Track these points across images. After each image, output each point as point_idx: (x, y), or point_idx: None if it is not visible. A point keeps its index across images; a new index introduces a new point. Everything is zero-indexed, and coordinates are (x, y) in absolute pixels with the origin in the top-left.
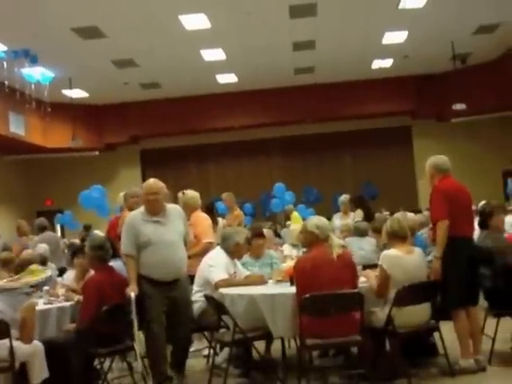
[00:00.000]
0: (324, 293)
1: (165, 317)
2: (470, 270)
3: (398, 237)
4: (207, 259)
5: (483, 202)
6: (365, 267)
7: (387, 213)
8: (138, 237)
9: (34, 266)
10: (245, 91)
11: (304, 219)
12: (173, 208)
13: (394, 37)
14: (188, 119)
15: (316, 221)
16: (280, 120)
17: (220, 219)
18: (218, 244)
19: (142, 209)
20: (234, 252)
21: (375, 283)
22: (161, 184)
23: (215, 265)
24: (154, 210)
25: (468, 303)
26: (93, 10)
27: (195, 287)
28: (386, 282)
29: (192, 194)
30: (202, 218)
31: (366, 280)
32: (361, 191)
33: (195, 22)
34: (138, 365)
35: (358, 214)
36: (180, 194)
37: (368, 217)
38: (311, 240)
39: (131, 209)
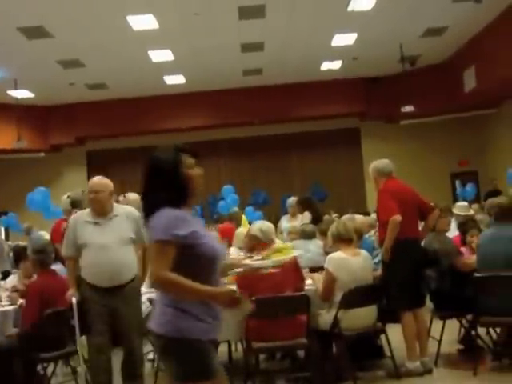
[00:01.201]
0: (270, 296)
1: (108, 324)
2: (416, 271)
3: (344, 239)
4: None
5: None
6: (312, 270)
7: (336, 215)
8: (76, 239)
9: None
10: (193, 92)
11: (250, 222)
12: (124, 209)
13: (343, 39)
14: (135, 120)
15: (260, 225)
16: (228, 121)
17: None
18: None
19: (88, 209)
20: None
21: (321, 286)
22: (105, 181)
23: None
24: (97, 209)
25: (414, 305)
26: (38, 9)
27: (144, 288)
28: (332, 285)
29: (134, 196)
30: None
31: (312, 283)
32: (309, 193)
33: (143, 22)
34: (82, 369)
35: (306, 217)
36: (121, 198)
37: (316, 219)
38: (254, 244)
39: None
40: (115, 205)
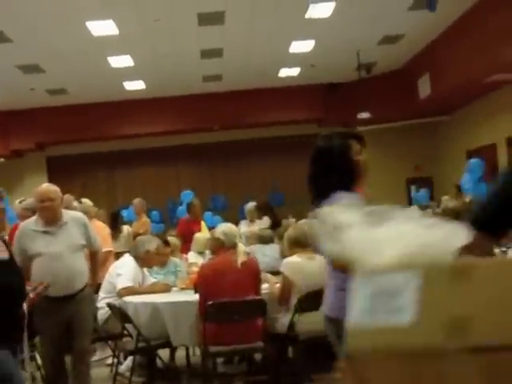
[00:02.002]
0: (227, 300)
1: (59, 331)
2: None
3: (299, 244)
4: (116, 267)
5: None
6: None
7: (293, 219)
8: (26, 250)
9: None
10: (153, 98)
11: (210, 227)
12: (72, 215)
13: (301, 46)
14: (95, 126)
15: (224, 228)
16: (188, 127)
17: (126, 226)
18: (125, 252)
19: (34, 217)
20: (143, 260)
21: (276, 289)
22: (55, 188)
23: (122, 273)
24: (49, 217)
25: None
26: None
27: (101, 294)
28: (288, 289)
29: (88, 202)
30: (99, 227)
31: (269, 286)
32: (267, 198)
33: (103, 28)
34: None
35: (265, 222)
36: (75, 204)
37: (275, 224)
38: (218, 247)
39: None
40: (63, 211)
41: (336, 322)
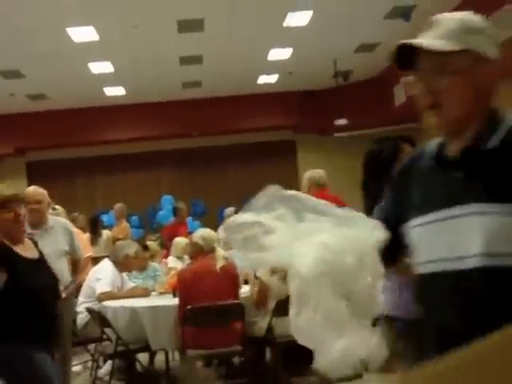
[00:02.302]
0: (206, 304)
1: None
2: None
3: None
4: (95, 272)
5: None
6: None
7: None
8: None
9: None
10: (133, 104)
11: (190, 232)
12: (58, 220)
13: (279, 53)
14: (76, 131)
15: (202, 233)
16: (168, 133)
17: (105, 231)
18: (104, 256)
19: None
20: (122, 264)
21: (255, 293)
22: (42, 191)
23: (102, 278)
24: (32, 220)
25: None
26: None
27: (80, 298)
28: (265, 293)
29: (61, 209)
30: (76, 233)
31: (250, 287)
32: (245, 204)
33: (83, 34)
34: None
35: None
36: (50, 210)
37: None
38: (196, 251)
39: None
40: (48, 216)
41: (402, 321)
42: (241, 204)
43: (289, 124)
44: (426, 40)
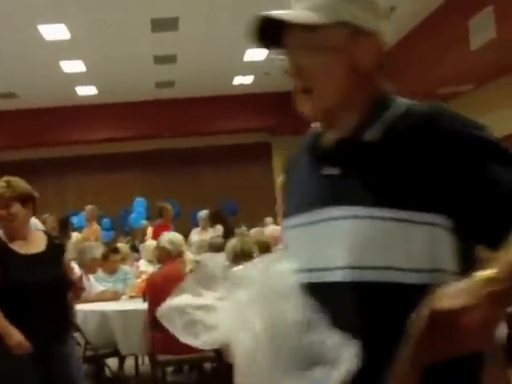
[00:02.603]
0: None
1: None
2: None
3: (244, 255)
4: None
5: None
6: None
7: (245, 228)
8: None
9: None
10: (105, 104)
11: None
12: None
13: (255, 54)
14: (46, 131)
15: (169, 237)
16: (140, 134)
17: (75, 233)
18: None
19: None
20: (88, 267)
21: None
22: None
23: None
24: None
25: None
26: None
27: None
28: None
29: None
30: None
31: None
32: (220, 207)
33: (55, 32)
34: None
35: (218, 230)
36: None
37: (228, 232)
38: (164, 256)
39: None
40: None
41: None
42: (215, 207)
43: (265, 126)
44: (292, 12)
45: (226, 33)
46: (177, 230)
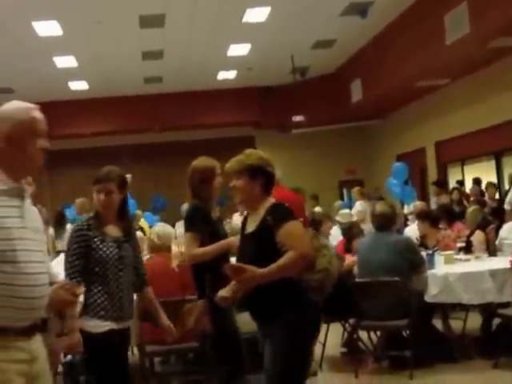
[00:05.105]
0: (162, 299)
1: None
2: None
3: None
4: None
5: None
6: None
7: (229, 221)
8: None
9: None
10: (96, 98)
11: (150, 226)
12: None
13: (238, 49)
14: None
15: (158, 229)
16: (130, 128)
17: (68, 225)
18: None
19: None
20: None
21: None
22: None
23: (61, 271)
24: None
25: None
26: None
27: None
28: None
29: None
30: None
31: None
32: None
33: (48, 28)
34: None
35: None
36: None
37: None
38: (153, 248)
39: None
40: None
41: None
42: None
43: (248, 120)
44: None
45: (210, 28)
46: (165, 222)
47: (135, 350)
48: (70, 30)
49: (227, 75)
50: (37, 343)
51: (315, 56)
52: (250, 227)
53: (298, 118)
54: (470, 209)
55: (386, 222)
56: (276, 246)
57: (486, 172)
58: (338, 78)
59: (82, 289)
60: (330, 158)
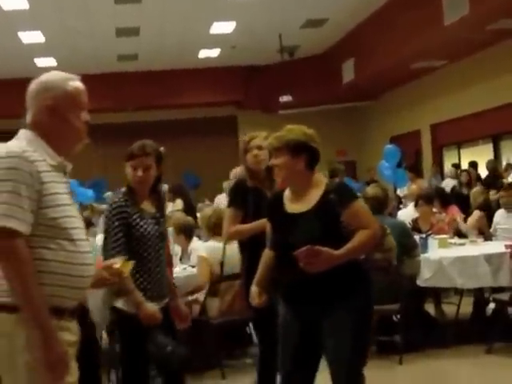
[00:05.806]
0: None
1: None
2: None
3: (218, 228)
4: None
5: None
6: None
7: (209, 203)
8: None
9: None
10: None
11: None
12: None
13: (222, 27)
14: (4, 104)
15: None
16: (102, 107)
17: None
18: None
19: None
20: None
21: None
22: None
23: None
24: None
25: None
26: None
27: None
28: (207, 271)
29: None
30: None
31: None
32: (183, 181)
33: (13, 1)
34: None
35: (178, 204)
36: None
37: (188, 207)
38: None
39: None
40: None
41: None
42: (176, 181)
43: (231, 100)
44: None
45: (191, 4)
46: None
47: None
48: (36, 4)
49: (210, 53)
50: (76, 326)
51: (305, 35)
52: (301, 206)
53: (285, 99)
54: (473, 190)
55: (378, 205)
56: (339, 225)
57: (482, 156)
58: (328, 57)
59: (132, 263)
60: (320, 140)
